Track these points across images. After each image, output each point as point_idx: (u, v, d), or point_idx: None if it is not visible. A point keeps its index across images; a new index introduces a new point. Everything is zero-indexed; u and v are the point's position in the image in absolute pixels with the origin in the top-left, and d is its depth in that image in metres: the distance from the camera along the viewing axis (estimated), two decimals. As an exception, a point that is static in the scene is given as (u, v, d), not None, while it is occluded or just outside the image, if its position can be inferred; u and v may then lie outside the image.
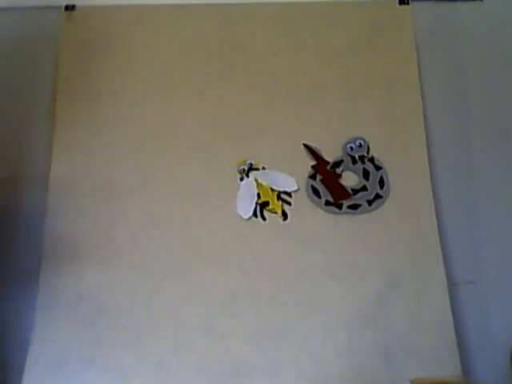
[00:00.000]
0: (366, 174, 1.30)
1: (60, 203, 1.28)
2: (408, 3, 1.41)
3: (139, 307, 1.21)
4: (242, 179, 1.30)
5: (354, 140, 1.33)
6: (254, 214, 1.28)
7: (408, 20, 1.40)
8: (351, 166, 1.31)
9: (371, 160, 1.31)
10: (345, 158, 1.32)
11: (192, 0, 1.43)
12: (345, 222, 1.27)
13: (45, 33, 1.41)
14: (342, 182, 1.30)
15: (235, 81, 1.37)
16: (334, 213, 1.28)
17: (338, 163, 1.31)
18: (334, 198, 1.29)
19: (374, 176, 1.30)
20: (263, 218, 1.28)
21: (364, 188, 1.29)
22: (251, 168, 1.31)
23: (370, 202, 1.28)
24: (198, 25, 1.41)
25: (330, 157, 1.32)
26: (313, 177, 1.30)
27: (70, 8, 1.42)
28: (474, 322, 1.26)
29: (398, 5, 1.42)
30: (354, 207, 1.28)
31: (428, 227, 1.27)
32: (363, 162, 1.31)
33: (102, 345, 1.19)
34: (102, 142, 1.33)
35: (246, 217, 1.27)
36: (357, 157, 1.32)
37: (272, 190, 1.30)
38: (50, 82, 1.38)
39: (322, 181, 1.30)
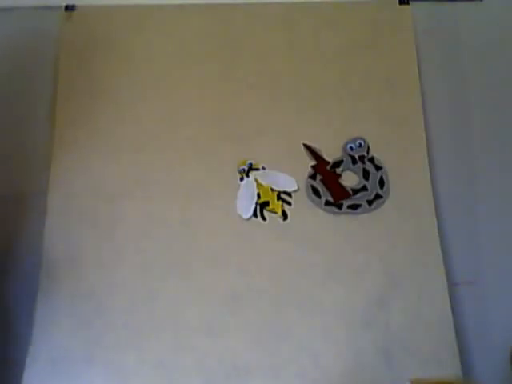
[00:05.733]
0: (366, 174, 1.30)
1: (60, 203, 1.28)
2: (408, 3, 1.42)
3: (139, 307, 1.21)
4: (242, 179, 1.30)
5: (354, 140, 1.33)
6: (254, 214, 1.28)
7: (408, 20, 1.40)
8: (351, 166, 1.31)
9: (371, 160, 1.31)
10: (345, 158, 1.32)
11: (192, 0, 1.43)
12: (345, 222, 1.27)
13: (45, 33, 1.41)
14: (342, 182, 1.30)
15: (235, 81, 1.37)
16: (334, 213, 1.28)
17: (337, 163, 1.31)
18: (334, 198, 1.29)
19: (374, 176, 1.30)
20: (263, 218, 1.28)
21: (364, 188, 1.29)
22: (251, 168, 1.31)
23: (370, 202, 1.28)
24: (198, 25, 1.41)
25: (330, 157, 1.32)
26: (313, 177, 1.30)
27: (70, 8, 1.42)
28: (474, 321, 1.26)
29: (398, 5, 1.42)
30: (354, 207, 1.28)
31: (428, 227, 1.27)
32: (363, 162, 1.31)
33: (102, 344, 1.19)
34: (102, 142, 1.33)
35: (246, 217, 1.27)
36: (357, 157, 1.32)
37: (272, 190, 1.30)
38: (50, 82, 1.38)
39: (322, 181, 1.30)
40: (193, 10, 1.42)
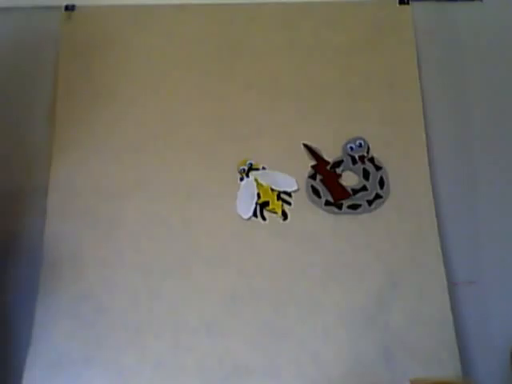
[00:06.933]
0: (366, 174, 1.30)
1: (60, 203, 1.28)
2: (408, 3, 1.42)
3: (139, 307, 1.21)
4: (242, 179, 1.30)
5: (354, 140, 1.33)
6: (254, 214, 1.28)
7: (408, 20, 1.41)
8: (351, 165, 1.31)
9: (371, 160, 1.31)
10: (345, 158, 1.32)
11: (192, 0, 1.43)
12: (345, 222, 1.27)
13: (45, 33, 1.41)
14: (342, 182, 1.30)
15: (235, 81, 1.37)
16: (334, 213, 1.28)
17: (338, 163, 1.31)
18: (334, 198, 1.29)
19: (374, 176, 1.30)
20: (263, 218, 1.28)
21: (364, 188, 1.29)
22: (251, 168, 1.31)
23: (370, 202, 1.28)
24: (198, 25, 1.41)
25: (329, 157, 1.32)
26: (313, 177, 1.30)
27: (69, 8, 1.42)
28: (474, 321, 1.26)
29: (398, 5, 1.42)
30: (354, 207, 1.28)
31: (428, 227, 1.27)
32: (363, 162, 1.31)
33: (102, 345, 1.19)
34: (102, 142, 1.33)
35: (246, 217, 1.27)
36: (357, 157, 1.32)
37: (272, 190, 1.30)
38: (50, 82, 1.38)
39: (322, 181, 1.30)
40: (193, 10, 1.42)
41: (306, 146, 1.32)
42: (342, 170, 1.31)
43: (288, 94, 1.36)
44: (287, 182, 1.30)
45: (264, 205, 1.28)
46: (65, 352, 1.18)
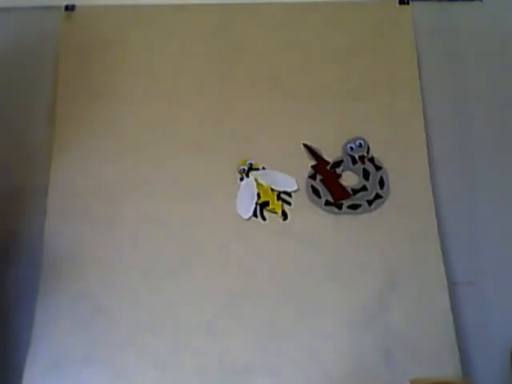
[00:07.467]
0: (366, 174, 1.30)
1: (60, 203, 1.28)
2: (408, 3, 1.42)
3: (139, 307, 1.21)
4: (242, 179, 1.30)
5: (354, 140, 1.33)
6: (254, 214, 1.28)
7: (408, 20, 1.41)
8: (351, 165, 1.31)
9: (371, 160, 1.31)
10: (345, 158, 1.32)
11: (192, 0, 1.43)
12: (345, 222, 1.27)
13: (45, 33, 1.41)
14: (342, 182, 1.30)
15: (235, 81, 1.37)
16: (334, 213, 1.28)
17: (337, 163, 1.31)
18: (334, 198, 1.29)
19: (374, 176, 1.30)
20: (263, 218, 1.28)
21: (364, 188, 1.29)
22: (251, 168, 1.31)
23: (370, 202, 1.28)
24: (198, 25, 1.41)
25: (329, 157, 1.32)
26: (313, 177, 1.30)
27: (69, 8, 1.42)
28: (474, 322, 1.26)
29: (398, 5, 1.42)
30: (354, 207, 1.28)
31: (428, 227, 1.27)
32: (363, 162, 1.31)
33: (102, 344, 1.19)
34: (102, 142, 1.33)
35: (246, 217, 1.27)
36: (357, 157, 1.32)
37: (272, 190, 1.30)
38: (50, 82, 1.38)
39: (322, 181, 1.30)
40: (193, 10, 1.42)
41: (306, 146, 1.32)
42: (342, 170, 1.31)
43: (288, 94, 1.36)
44: (287, 182, 1.30)
45: (264, 205, 1.28)
46: (65, 351, 1.18)
